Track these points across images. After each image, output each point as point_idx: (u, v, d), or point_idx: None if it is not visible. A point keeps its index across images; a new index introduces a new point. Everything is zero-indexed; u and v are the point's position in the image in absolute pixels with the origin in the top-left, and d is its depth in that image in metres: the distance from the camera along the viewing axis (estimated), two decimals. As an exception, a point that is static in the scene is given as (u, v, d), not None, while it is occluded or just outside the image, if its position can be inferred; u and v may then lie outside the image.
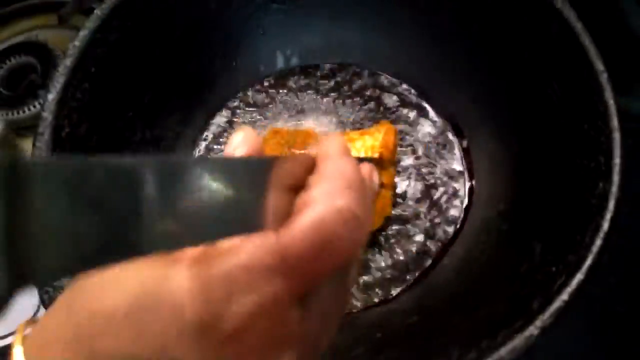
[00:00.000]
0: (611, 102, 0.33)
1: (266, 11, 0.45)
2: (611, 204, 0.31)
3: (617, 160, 0.32)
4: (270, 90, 0.49)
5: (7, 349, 0.18)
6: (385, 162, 0.41)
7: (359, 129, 0.46)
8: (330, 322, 0.21)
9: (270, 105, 0.48)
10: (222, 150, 0.47)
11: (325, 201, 0.19)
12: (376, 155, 0.40)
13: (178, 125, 0.46)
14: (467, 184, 0.43)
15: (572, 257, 0.31)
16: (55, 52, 0.57)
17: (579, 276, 0.29)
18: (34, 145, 0.36)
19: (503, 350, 0.28)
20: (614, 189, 0.31)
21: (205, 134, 0.48)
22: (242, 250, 0.18)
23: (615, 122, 0.33)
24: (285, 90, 0.48)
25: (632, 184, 0.52)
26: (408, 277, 0.41)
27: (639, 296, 0.49)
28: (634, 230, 0.51)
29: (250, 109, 0.48)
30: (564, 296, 0.29)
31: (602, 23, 0.51)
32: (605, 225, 0.31)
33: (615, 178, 0.32)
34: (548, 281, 0.31)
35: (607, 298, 0.48)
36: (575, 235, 0.31)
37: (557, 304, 0.29)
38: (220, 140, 0.48)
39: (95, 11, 0.39)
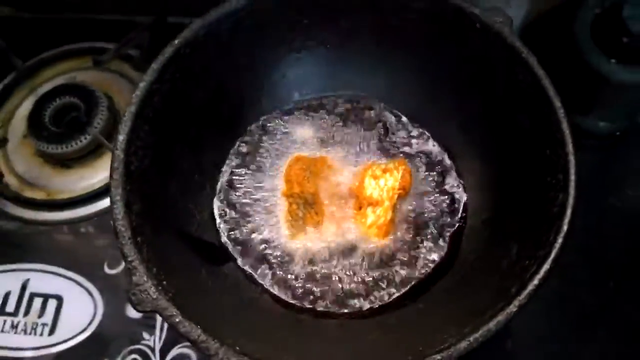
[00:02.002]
0: (567, 132, 0.42)
1: (287, 60, 0.55)
2: (569, 211, 0.40)
3: (572, 177, 0.41)
4: (289, 123, 0.58)
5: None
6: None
7: (371, 157, 0.55)
8: None
9: (291, 136, 0.57)
10: (246, 171, 0.56)
11: None
12: (396, 195, 0.50)
13: (216, 153, 0.55)
14: (463, 199, 0.53)
15: (541, 252, 0.40)
16: (97, 93, 0.65)
17: (546, 266, 0.39)
18: (111, 177, 0.44)
19: (491, 324, 0.37)
20: (571, 199, 0.41)
21: (234, 157, 0.57)
22: None
23: (570, 148, 0.42)
24: (302, 122, 0.58)
25: (593, 193, 0.62)
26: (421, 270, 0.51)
27: (601, 290, 0.57)
28: (598, 234, 0.60)
29: (273, 139, 0.58)
30: (535, 281, 0.38)
31: (565, 58, 0.61)
32: (565, 228, 0.40)
33: (572, 191, 0.41)
34: (523, 272, 0.40)
35: (575, 291, 0.56)
36: (542, 236, 0.41)
37: (530, 288, 0.38)
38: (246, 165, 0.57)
39: (152, 65, 0.48)
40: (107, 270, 0.59)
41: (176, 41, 0.48)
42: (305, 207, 0.52)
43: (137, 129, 0.46)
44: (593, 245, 0.59)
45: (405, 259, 0.51)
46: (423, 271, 0.50)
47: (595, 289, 0.57)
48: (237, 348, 0.37)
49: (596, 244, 0.59)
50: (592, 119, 0.64)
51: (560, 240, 0.39)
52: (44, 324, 0.57)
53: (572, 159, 0.42)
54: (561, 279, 0.57)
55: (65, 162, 0.64)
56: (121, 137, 0.45)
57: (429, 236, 0.52)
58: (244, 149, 0.57)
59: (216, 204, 0.54)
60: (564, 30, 0.60)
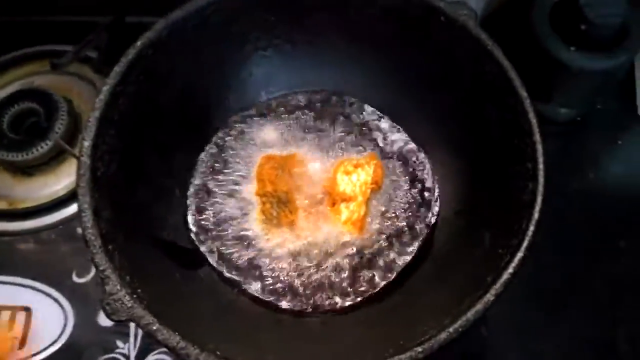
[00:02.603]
0: (534, 122, 0.43)
1: (253, 58, 0.54)
2: (539, 199, 0.41)
3: (541, 166, 0.42)
4: (259, 122, 0.57)
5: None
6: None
7: (343, 154, 0.55)
8: None
9: (261, 135, 0.57)
10: (217, 172, 0.56)
11: None
12: (369, 190, 0.49)
13: (184, 155, 0.54)
14: (436, 191, 0.54)
15: (514, 241, 0.41)
16: (55, 97, 0.63)
17: (520, 254, 0.40)
18: (77, 184, 0.42)
19: (469, 314, 0.38)
20: (540, 187, 0.42)
21: (204, 158, 0.56)
22: None
23: (537, 137, 0.43)
24: (272, 120, 0.57)
25: (557, 177, 0.63)
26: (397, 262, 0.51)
27: (569, 272, 0.59)
28: (564, 217, 0.61)
29: (242, 139, 0.57)
30: (510, 270, 0.39)
31: (525, 47, 0.62)
32: (536, 215, 0.41)
33: (541, 179, 0.42)
34: (497, 261, 0.41)
35: (544, 275, 0.57)
36: (514, 225, 0.41)
37: (505, 276, 0.39)
38: (216, 165, 0.56)
39: (114, 68, 0.46)
40: (75, 279, 0.58)
41: (139, 42, 0.47)
42: (279, 205, 0.52)
43: (103, 133, 0.45)
44: (559, 228, 0.60)
45: (381, 253, 0.51)
46: (400, 263, 0.51)
47: (564, 270, 0.59)
48: (218, 352, 0.37)
49: (563, 226, 0.61)
50: (553, 106, 0.65)
51: (532, 228, 0.40)
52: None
53: (539, 147, 0.43)
54: (529, 263, 0.58)
55: (27, 170, 0.62)
56: (87, 143, 0.44)
57: (403, 229, 0.52)
58: (213, 150, 0.56)
59: (187, 207, 0.53)
60: (523, 19, 0.61)
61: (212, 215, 0.53)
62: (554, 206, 0.60)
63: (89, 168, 0.43)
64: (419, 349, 0.37)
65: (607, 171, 0.65)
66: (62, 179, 0.62)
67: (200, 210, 0.53)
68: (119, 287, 0.39)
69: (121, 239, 0.43)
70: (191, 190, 0.54)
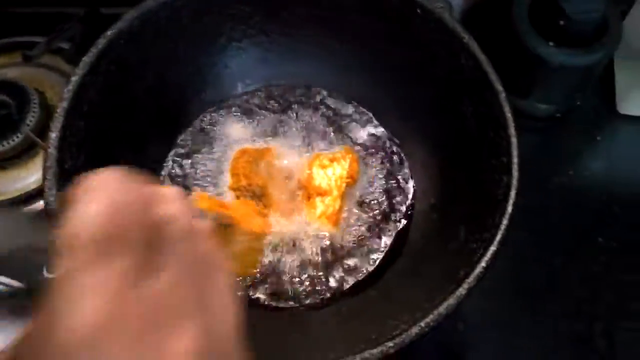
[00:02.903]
0: (509, 115, 0.43)
1: (228, 50, 0.54)
2: (513, 193, 0.41)
3: (515, 160, 0.42)
4: (234, 115, 0.57)
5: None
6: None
7: (319, 147, 0.55)
8: (193, 291, 0.20)
9: (236, 128, 0.56)
10: (190, 166, 0.55)
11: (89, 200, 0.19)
12: (344, 184, 0.48)
13: (158, 148, 0.53)
14: (412, 185, 0.54)
15: (487, 235, 0.40)
16: (27, 89, 0.62)
17: (492, 248, 0.39)
18: (44, 177, 0.42)
19: (441, 308, 0.37)
20: (514, 181, 0.41)
21: (178, 150, 0.55)
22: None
23: (512, 130, 0.43)
24: (247, 113, 0.57)
25: (536, 173, 0.63)
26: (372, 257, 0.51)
27: (547, 267, 0.58)
28: (543, 213, 0.61)
29: (217, 132, 0.56)
30: (483, 264, 0.39)
31: (504, 42, 0.62)
32: (510, 209, 0.41)
33: (515, 173, 0.41)
34: (470, 255, 0.40)
35: (523, 270, 0.58)
36: (488, 219, 0.41)
37: (477, 270, 0.39)
38: (190, 158, 0.55)
39: (83, 58, 0.45)
40: (46, 274, 0.57)
41: (109, 32, 0.46)
42: (254, 199, 0.51)
43: (71, 125, 0.44)
44: (539, 224, 0.60)
45: (357, 247, 0.51)
46: (374, 257, 0.50)
47: (543, 266, 0.59)
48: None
49: (542, 222, 0.61)
50: (532, 102, 0.65)
51: (505, 222, 0.40)
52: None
53: (514, 141, 0.42)
54: (509, 258, 0.58)
55: (1, 163, 0.61)
56: (54, 134, 0.43)
57: (379, 223, 0.52)
58: (187, 142, 0.55)
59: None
60: (503, 15, 0.61)
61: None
62: (533, 202, 0.61)
63: (55, 160, 0.42)
64: (390, 343, 0.36)
65: (586, 167, 0.65)
66: (34, 172, 0.61)
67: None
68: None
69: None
70: (164, 183, 0.53)
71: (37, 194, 0.59)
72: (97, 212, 0.18)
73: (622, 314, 0.56)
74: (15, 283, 0.56)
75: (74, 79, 0.45)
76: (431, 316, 0.37)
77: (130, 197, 0.19)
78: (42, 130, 0.61)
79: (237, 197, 0.52)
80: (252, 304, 0.49)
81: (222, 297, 0.22)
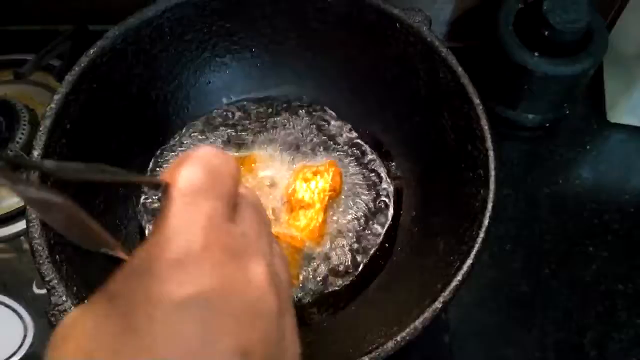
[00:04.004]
0: (486, 128, 0.43)
1: (212, 66, 0.54)
2: (490, 206, 0.41)
3: (492, 172, 0.42)
4: (217, 127, 0.57)
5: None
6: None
7: (302, 159, 0.55)
8: (264, 238, 0.25)
9: (219, 140, 0.56)
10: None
11: (195, 156, 0.24)
12: (327, 197, 0.49)
13: (141, 163, 0.54)
14: (393, 198, 0.54)
15: (464, 247, 0.40)
16: (17, 107, 0.62)
17: (469, 261, 0.39)
18: (25, 195, 0.42)
19: (417, 322, 0.37)
20: (491, 194, 0.41)
21: (162, 164, 0.55)
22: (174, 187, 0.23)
23: (489, 143, 0.43)
24: (230, 127, 0.57)
25: (526, 183, 0.63)
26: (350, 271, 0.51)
27: (537, 277, 0.58)
28: (532, 223, 0.61)
29: (199, 144, 0.56)
30: (459, 277, 0.39)
31: (491, 53, 0.62)
32: (486, 222, 0.41)
33: (492, 186, 0.42)
34: (447, 268, 0.40)
35: (512, 280, 0.58)
36: (465, 231, 0.41)
37: (453, 284, 0.39)
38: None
39: (66, 77, 0.46)
40: (35, 290, 0.57)
41: (91, 50, 0.47)
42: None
43: (54, 143, 0.44)
44: (528, 233, 0.60)
45: (339, 260, 0.51)
46: (356, 272, 0.50)
47: (531, 276, 0.58)
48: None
49: (530, 232, 0.61)
50: (521, 112, 0.65)
51: (482, 234, 0.40)
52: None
53: (491, 154, 0.43)
54: (497, 269, 0.58)
55: (-12, 181, 0.61)
56: (36, 152, 0.44)
57: (360, 237, 0.52)
58: (170, 157, 0.55)
59: (142, 216, 0.53)
60: (489, 26, 0.61)
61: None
62: (522, 212, 0.61)
63: (37, 177, 0.43)
64: (366, 358, 0.37)
65: (576, 176, 0.65)
66: (24, 189, 0.61)
67: (155, 219, 0.53)
68: (64, 298, 0.39)
69: (70, 250, 0.42)
70: (146, 198, 0.54)
71: (24, 211, 0.60)
72: (200, 167, 0.23)
73: (613, 324, 0.56)
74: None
75: (56, 97, 0.45)
76: (407, 330, 0.37)
77: (223, 163, 0.25)
78: (31, 147, 0.61)
79: None
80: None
81: (281, 257, 0.27)
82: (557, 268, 0.59)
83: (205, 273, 0.21)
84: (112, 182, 0.32)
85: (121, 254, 0.23)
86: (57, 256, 0.41)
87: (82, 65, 0.46)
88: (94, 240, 0.22)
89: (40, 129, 0.44)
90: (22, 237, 0.60)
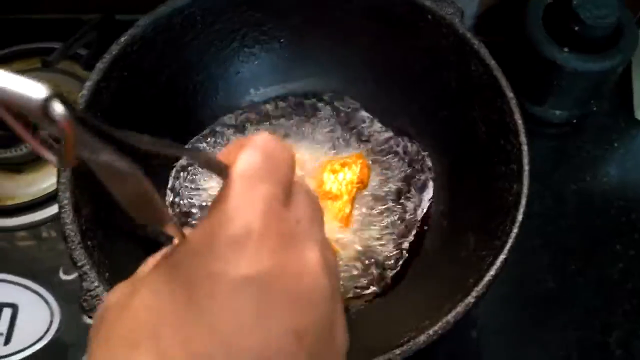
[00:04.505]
0: (519, 122, 0.43)
1: (240, 56, 0.54)
2: (523, 201, 0.41)
3: (525, 167, 0.41)
4: (245, 119, 0.57)
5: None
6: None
7: (330, 151, 0.55)
8: (317, 226, 0.26)
9: (246, 132, 0.56)
10: (200, 171, 0.55)
11: (255, 141, 0.25)
12: (355, 189, 0.49)
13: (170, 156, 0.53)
14: (423, 192, 0.53)
15: (497, 242, 0.40)
16: (46, 94, 0.63)
17: (502, 256, 0.39)
18: (58, 180, 0.42)
19: (450, 316, 0.37)
20: (525, 189, 0.41)
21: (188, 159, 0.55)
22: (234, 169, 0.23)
23: (523, 138, 0.42)
24: (260, 119, 0.57)
25: (553, 180, 0.63)
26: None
27: (563, 274, 0.58)
28: (558, 220, 0.61)
29: (228, 136, 0.56)
30: (492, 272, 0.38)
31: (518, 48, 0.61)
32: (520, 217, 0.40)
33: (526, 180, 0.41)
34: (480, 263, 0.40)
35: (537, 277, 0.57)
36: (498, 226, 0.41)
37: (486, 279, 0.38)
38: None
39: (97, 64, 0.46)
40: (62, 276, 0.58)
41: (123, 38, 0.47)
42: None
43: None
44: (553, 230, 0.60)
45: (366, 255, 0.51)
46: (384, 264, 0.50)
47: (557, 273, 0.58)
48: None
49: (556, 229, 0.60)
50: (548, 108, 0.65)
51: (515, 230, 0.40)
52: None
53: (525, 148, 0.42)
54: (523, 265, 0.57)
55: (15, 167, 0.62)
56: (68, 139, 0.43)
57: (388, 230, 0.52)
58: (199, 147, 0.55)
59: (170, 205, 0.53)
60: (517, 21, 0.61)
61: (195, 212, 0.53)
62: (549, 209, 0.61)
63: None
64: (397, 351, 0.36)
65: (603, 173, 0.64)
66: (50, 176, 0.62)
67: (183, 208, 0.53)
68: (96, 283, 0.39)
69: (101, 236, 0.43)
70: (173, 187, 0.54)
71: (54, 197, 0.60)
72: (259, 151, 0.24)
73: (640, 323, 0.55)
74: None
75: (87, 84, 0.45)
76: (439, 324, 0.37)
77: (280, 150, 0.25)
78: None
79: None
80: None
81: (330, 246, 0.27)
82: (583, 265, 0.59)
83: (264, 256, 0.21)
84: (177, 156, 0.32)
85: (173, 231, 0.23)
86: (89, 242, 0.41)
87: (114, 53, 0.46)
88: (152, 214, 0.22)
89: (72, 116, 0.44)
90: (48, 224, 0.60)
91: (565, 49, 0.58)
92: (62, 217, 0.41)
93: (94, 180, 0.44)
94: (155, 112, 0.51)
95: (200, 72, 0.54)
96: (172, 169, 0.55)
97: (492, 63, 0.44)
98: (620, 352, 0.55)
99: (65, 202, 0.41)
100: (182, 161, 0.55)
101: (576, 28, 0.57)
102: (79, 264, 0.39)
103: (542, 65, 0.60)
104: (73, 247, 0.40)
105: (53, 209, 0.60)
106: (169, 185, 0.54)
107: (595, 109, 0.67)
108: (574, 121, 0.66)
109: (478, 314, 0.54)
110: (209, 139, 0.56)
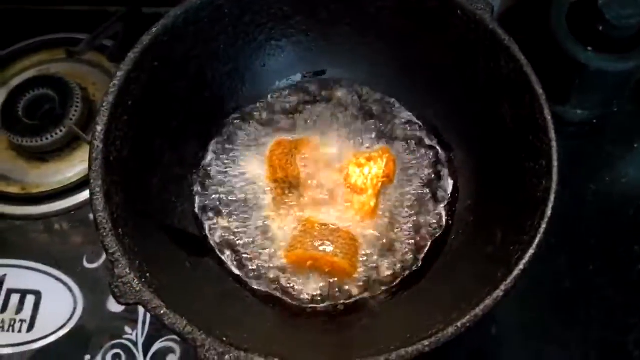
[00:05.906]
0: (549, 119, 0.43)
1: (267, 49, 0.55)
2: (552, 197, 0.41)
3: (555, 163, 0.41)
4: (270, 110, 0.58)
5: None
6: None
7: (357, 144, 0.55)
8: None
9: (272, 123, 0.57)
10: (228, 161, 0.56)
11: None
12: (380, 183, 0.50)
13: (197, 143, 0.54)
14: (449, 187, 0.54)
15: (526, 238, 0.40)
16: (71, 85, 0.63)
17: (531, 251, 0.39)
18: (90, 168, 0.43)
19: (478, 309, 0.37)
20: (554, 185, 0.41)
21: (217, 145, 0.56)
22: None
23: (552, 134, 0.42)
24: (285, 110, 0.57)
25: (572, 179, 0.63)
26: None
27: (581, 274, 0.58)
28: (577, 220, 0.61)
29: (254, 127, 0.57)
30: (521, 266, 0.39)
31: (542, 47, 0.61)
32: (549, 213, 0.40)
33: (555, 177, 0.41)
34: (508, 257, 0.40)
35: (556, 276, 0.58)
36: (526, 221, 0.41)
37: (515, 272, 0.38)
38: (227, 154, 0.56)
39: (128, 54, 0.46)
40: (86, 264, 0.58)
41: (154, 29, 0.47)
42: (291, 191, 0.52)
43: (116, 119, 0.45)
44: (573, 229, 0.60)
45: (391, 248, 0.51)
46: (409, 258, 0.50)
47: (576, 272, 0.58)
48: (224, 339, 0.37)
49: (576, 228, 0.60)
50: (570, 108, 0.64)
51: (544, 225, 0.40)
52: (22, 320, 0.56)
53: (554, 144, 0.42)
54: (541, 264, 0.57)
55: (41, 156, 0.63)
56: (99, 127, 0.44)
57: (414, 224, 0.52)
58: (225, 138, 0.56)
59: (197, 195, 0.53)
60: (541, 20, 0.61)
61: (223, 203, 0.53)
62: (568, 208, 0.61)
63: (101, 152, 0.43)
64: (426, 342, 0.37)
65: (623, 174, 0.64)
66: (75, 166, 0.62)
67: (209, 198, 0.53)
68: (128, 270, 0.39)
69: (131, 224, 0.43)
70: (201, 177, 0.54)
71: (78, 186, 0.61)
72: None
73: (658, 324, 0.56)
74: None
75: (119, 74, 0.46)
76: (467, 317, 0.37)
77: None
78: (84, 124, 0.62)
79: (276, 189, 0.53)
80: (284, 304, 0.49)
81: None
82: (602, 266, 0.59)
83: None
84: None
85: None
86: (120, 230, 0.41)
87: (145, 43, 0.47)
88: None
89: (104, 105, 0.44)
90: (72, 213, 0.61)
91: (589, 49, 0.58)
92: (94, 205, 0.41)
93: (124, 169, 0.45)
94: (182, 103, 0.52)
95: (227, 64, 0.54)
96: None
97: (523, 59, 0.44)
98: (639, 353, 0.55)
99: (97, 189, 0.42)
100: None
101: (601, 27, 0.57)
102: (111, 251, 0.40)
103: (565, 64, 0.60)
104: (105, 234, 0.40)
105: (77, 198, 0.61)
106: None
107: (616, 109, 0.66)
108: (595, 121, 0.66)
109: (498, 311, 0.55)
110: (233, 132, 0.56)
